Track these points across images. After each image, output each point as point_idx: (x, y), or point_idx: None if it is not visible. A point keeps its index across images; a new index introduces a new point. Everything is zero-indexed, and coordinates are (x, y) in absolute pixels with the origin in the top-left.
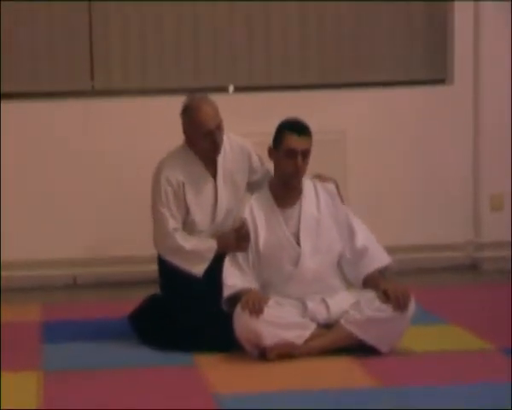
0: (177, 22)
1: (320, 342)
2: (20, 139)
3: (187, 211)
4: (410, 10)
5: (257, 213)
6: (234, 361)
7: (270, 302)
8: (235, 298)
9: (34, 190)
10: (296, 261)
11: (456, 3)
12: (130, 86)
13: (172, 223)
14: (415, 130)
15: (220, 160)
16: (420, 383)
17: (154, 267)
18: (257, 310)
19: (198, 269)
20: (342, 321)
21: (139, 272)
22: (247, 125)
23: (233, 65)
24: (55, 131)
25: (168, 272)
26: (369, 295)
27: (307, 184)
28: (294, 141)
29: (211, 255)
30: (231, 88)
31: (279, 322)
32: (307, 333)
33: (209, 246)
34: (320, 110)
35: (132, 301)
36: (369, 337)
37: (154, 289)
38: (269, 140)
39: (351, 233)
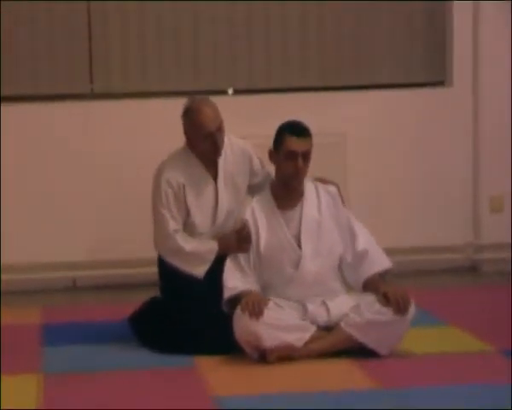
0: (176, 23)
1: (320, 345)
2: (19, 142)
3: (187, 213)
4: (410, 10)
5: (258, 215)
6: (234, 363)
7: (270, 304)
8: (236, 300)
9: (34, 194)
10: (297, 264)
11: (455, 3)
12: (129, 89)
13: (173, 224)
14: (415, 132)
15: (221, 162)
16: (420, 384)
17: (154, 270)
18: (257, 312)
19: (199, 271)
20: (342, 324)
21: (139, 275)
22: (246, 128)
23: (233, 67)
24: (55, 133)
25: (168, 274)
26: (369, 299)
27: (309, 186)
28: (294, 143)
29: (212, 257)
30: (230, 90)
31: (279, 324)
32: (307, 335)
33: (210, 247)
34: (320, 112)
35: (132, 303)
36: (368, 340)
37: (154, 292)
38: (268, 142)
39: (352, 236)
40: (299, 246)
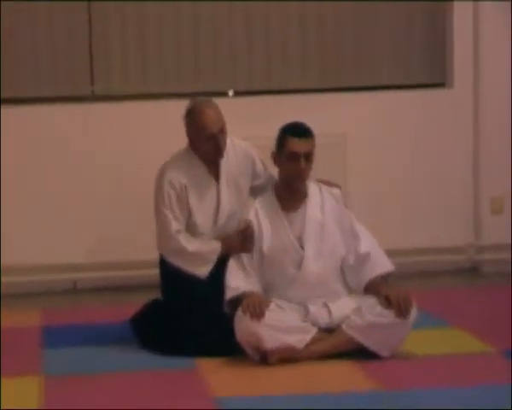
0: (177, 24)
1: (321, 347)
2: (20, 144)
3: (189, 213)
4: (410, 11)
5: (262, 216)
6: (235, 365)
7: (272, 306)
8: (238, 301)
9: (34, 196)
10: (299, 265)
11: (455, 3)
12: (129, 90)
13: (175, 225)
14: (415, 133)
15: (223, 163)
16: (421, 386)
17: (155, 272)
18: (258, 314)
19: (202, 271)
20: (344, 326)
21: (139, 277)
22: (247, 129)
23: (233, 68)
24: (56, 135)
25: (170, 275)
26: (371, 301)
27: (312, 188)
28: (296, 144)
29: (214, 257)
30: (231, 92)
31: (280, 326)
32: (308, 337)
33: (213, 248)
34: (320, 113)
35: (132, 305)
36: (370, 343)
37: (155, 294)
38: (269, 144)
39: (354, 239)
40: (302, 247)
